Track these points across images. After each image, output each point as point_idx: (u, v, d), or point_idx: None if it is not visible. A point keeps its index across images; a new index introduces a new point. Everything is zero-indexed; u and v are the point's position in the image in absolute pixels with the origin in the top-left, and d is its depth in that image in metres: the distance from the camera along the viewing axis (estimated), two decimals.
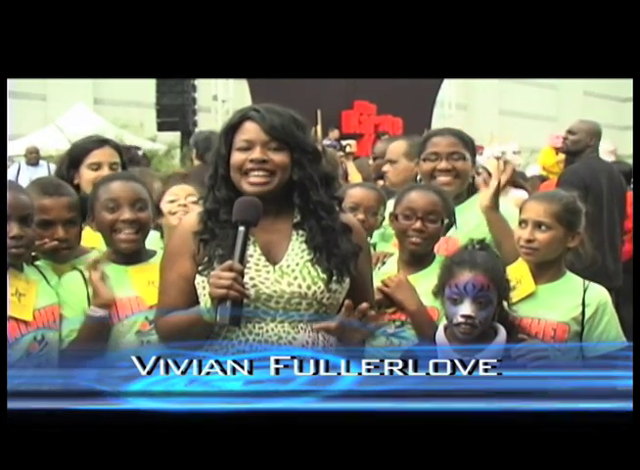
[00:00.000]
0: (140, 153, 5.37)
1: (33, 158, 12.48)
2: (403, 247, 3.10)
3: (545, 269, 2.99)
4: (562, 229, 2.97)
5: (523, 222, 3.01)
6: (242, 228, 2.41)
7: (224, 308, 2.33)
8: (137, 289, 2.88)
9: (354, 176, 6.82)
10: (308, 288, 2.49)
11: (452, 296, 2.70)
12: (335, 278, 2.51)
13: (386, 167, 4.38)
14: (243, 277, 2.37)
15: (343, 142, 9.11)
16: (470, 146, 3.51)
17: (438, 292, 2.80)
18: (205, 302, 2.42)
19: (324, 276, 2.50)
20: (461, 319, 2.67)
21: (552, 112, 24.57)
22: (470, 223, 3.31)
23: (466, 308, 2.68)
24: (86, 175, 3.60)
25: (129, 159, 4.80)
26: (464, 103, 23.05)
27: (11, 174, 9.85)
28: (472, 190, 3.51)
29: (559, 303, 2.93)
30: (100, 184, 3.06)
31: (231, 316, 2.33)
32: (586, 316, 2.91)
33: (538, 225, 2.97)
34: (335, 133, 14.94)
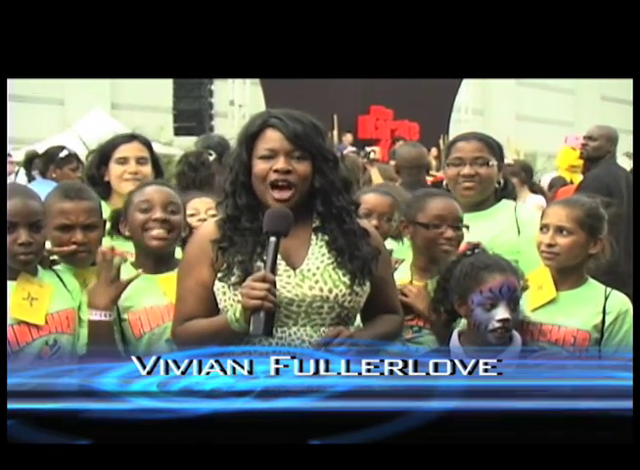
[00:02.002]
0: (211, 158, 5.34)
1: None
2: (433, 254, 3.04)
3: (567, 276, 2.97)
4: (583, 235, 2.95)
5: (544, 227, 2.99)
6: (273, 239, 2.41)
7: (258, 319, 2.34)
8: (167, 297, 2.87)
9: (378, 182, 6.83)
10: (330, 291, 2.50)
11: (485, 301, 2.67)
12: (356, 281, 2.52)
13: None
14: (275, 287, 2.38)
15: (368, 148, 9.16)
16: (496, 150, 3.47)
17: (444, 301, 2.78)
18: (233, 311, 2.43)
19: (345, 279, 2.51)
20: (498, 324, 2.64)
21: (569, 116, 24.45)
22: (492, 231, 3.29)
23: (502, 312, 2.65)
24: (114, 170, 3.62)
25: (201, 162, 4.81)
26: (480, 108, 22.96)
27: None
28: (498, 197, 3.48)
29: (580, 310, 2.91)
30: (134, 191, 3.10)
31: (265, 327, 2.34)
32: (606, 324, 2.89)
33: (560, 230, 2.95)
34: (348, 138, 14.93)
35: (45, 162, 6.21)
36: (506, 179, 3.59)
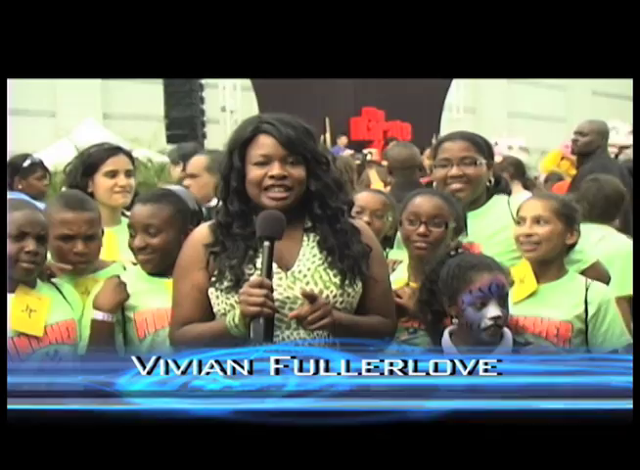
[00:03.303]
0: (180, 167, 5.24)
1: None
2: (411, 252, 3.08)
3: (547, 268, 3.02)
4: (560, 224, 3.01)
5: (520, 220, 3.05)
6: (267, 243, 2.40)
7: (258, 326, 2.33)
8: None
9: (376, 184, 6.86)
10: (321, 292, 2.49)
11: (476, 301, 2.66)
12: (347, 281, 2.52)
13: (187, 182, 4.41)
14: (272, 292, 2.38)
15: (365, 151, 9.20)
16: (484, 149, 3.42)
17: (431, 301, 2.78)
18: (232, 317, 2.42)
19: (336, 280, 2.51)
20: (490, 322, 2.64)
21: (561, 113, 24.48)
22: (489, 228, 3.29)
23: (494, 310, 2.65)
24: (103, 183, 3.62)
25: None
26: (472, 106, 22.97)
27: None
28: (490, 194, 3.45)
29: (561, 301, 2.95)
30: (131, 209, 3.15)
31: (265, 333, 2.33)
32: (589, 314, 2.92)
33: (537, 220, 3.01)
34: (342, 140, 14.95)
35: (10, 173, 5.73)
36: (499, 176, 3.58)
